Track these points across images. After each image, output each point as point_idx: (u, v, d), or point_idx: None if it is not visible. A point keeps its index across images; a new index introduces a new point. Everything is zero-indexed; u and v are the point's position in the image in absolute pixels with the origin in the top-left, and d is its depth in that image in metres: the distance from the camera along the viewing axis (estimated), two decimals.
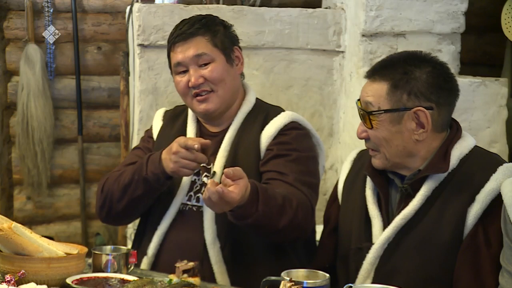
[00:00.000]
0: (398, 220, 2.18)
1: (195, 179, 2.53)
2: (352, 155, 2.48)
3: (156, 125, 2.70)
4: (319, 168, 2.59)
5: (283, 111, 2.61)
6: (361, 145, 2.32)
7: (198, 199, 2.52)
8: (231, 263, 2.45)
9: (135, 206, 2.52)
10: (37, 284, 1.96)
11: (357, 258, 2.24)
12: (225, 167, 2.43)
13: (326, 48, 3.51)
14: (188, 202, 2.53)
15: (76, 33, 3.93)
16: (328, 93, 3.54)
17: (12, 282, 1.92)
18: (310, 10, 3.51)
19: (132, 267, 2.24)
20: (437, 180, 2.17)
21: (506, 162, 2.17)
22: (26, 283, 1.96)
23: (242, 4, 3.64)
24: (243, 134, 2.54)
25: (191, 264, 2.07)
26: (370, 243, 2.22)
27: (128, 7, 3.56)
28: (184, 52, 2.50)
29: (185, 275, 2.04)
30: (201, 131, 2.62)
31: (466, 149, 2.21)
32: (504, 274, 2.01)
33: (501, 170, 2.13)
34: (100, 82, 4.05)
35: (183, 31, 2.52)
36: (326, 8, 3.64)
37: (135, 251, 2.27)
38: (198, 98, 2.51)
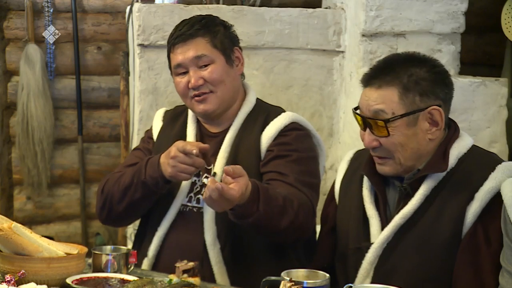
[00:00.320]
0: (397, 219, 2.18)
1: (195, 180, 2.53)
2: (349, 155, 2.48)
3: (156, 125, 2.69)
4: (319, 169, 2.59)
5: (284, 111, 2.60)
6: (362, 145, 2.32)
7: (198, 200, 2.51)
8: (231, 264, 2.45)
9: (135, 208, 2.52)
10: (37, 284, 1.96)
11: (356, 257, 2.24)
12: None
13: (326, 48, 3.51)
14: (189, 203, 2.53)
15: (76, 33, 3.93)
16: (328, 93, 3.54)
17: (12, 282, 1.91)
18: (310, 10, 3.50)
19: (132, 267, 2.24)
20: (436, 179, 2.17)
21: (504, 161, 2.18)
22: (26, 283, 1.95)
23: (242, 4, 3.63)
24: (243, 135, 2.54)
25: (191, 264, 2.07)
26: (369, 242, 2.22)
27: (128, 7, 3.56)
28: (184, 54, 2.50)
29: (185, 275, 2.04)
30: (201, 132, 2.61)
31: (465, 148, 2.21)
32: (504, 274, 2.01)
33: (500, 168, 2.13)
34: (100, 82, 4.05)
35: (183, 32, 2.52)
36: (326, 8, 3.63)
37: (135, 251, 2.27)
38: (197, 98, 2.51)
